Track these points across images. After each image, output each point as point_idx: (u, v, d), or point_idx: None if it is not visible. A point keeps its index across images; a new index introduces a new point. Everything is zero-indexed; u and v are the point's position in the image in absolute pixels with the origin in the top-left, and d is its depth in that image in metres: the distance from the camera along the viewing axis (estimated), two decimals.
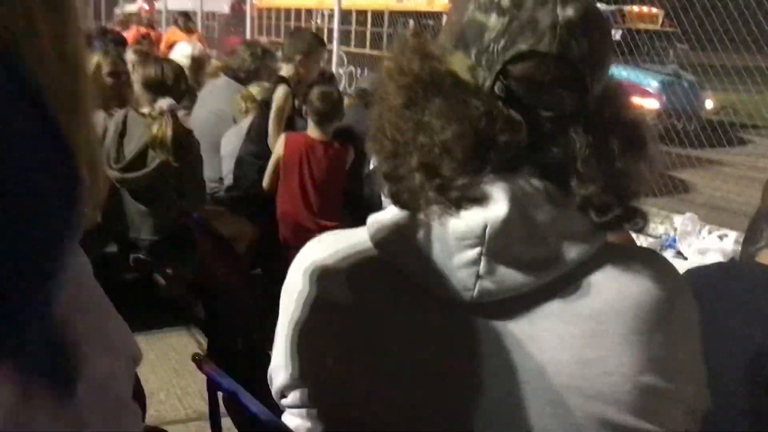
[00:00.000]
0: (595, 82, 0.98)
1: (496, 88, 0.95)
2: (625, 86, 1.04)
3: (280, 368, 1.11)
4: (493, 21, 0.96)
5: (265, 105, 4.94)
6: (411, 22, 12.33)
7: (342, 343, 1.04)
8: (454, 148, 0.94)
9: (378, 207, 1.14)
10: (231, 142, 5.01)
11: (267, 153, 4.62)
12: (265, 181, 4.51)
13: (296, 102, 5.01)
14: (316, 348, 1.07)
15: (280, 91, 4.85)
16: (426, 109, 0.97)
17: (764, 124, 13.98)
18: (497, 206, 0.93)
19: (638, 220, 1.00)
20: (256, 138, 4.86)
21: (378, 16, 13.35)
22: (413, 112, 0.98)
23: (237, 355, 2.96)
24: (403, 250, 1.02)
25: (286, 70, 5.06)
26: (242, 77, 5.67)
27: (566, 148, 0.95)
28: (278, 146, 4.43)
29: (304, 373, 1.08)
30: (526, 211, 0.94)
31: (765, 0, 6.36)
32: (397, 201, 1.02)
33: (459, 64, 0.98)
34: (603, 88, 1.00)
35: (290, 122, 4.91)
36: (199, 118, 5.32)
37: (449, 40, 1.02)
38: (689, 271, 1.75)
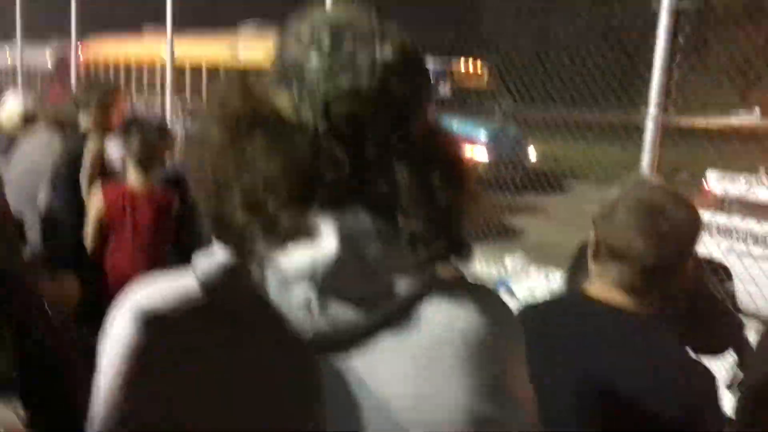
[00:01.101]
0: (417, 118, 1.00)
1: (319, 126, 0.95)
2: (445, 126, 1.08)
3: (99, 419, 1.03)
4: (315, 59, 0.96)
5: (76, 157, 4.72)
6: None
7: (171, 392, 0.97)
8: (278, 185, 0.93)
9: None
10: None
11: (81, 205, 4.38)
12: (88, 239, 4.24)
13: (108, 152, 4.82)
14: (139, 397, 0.99)
15: (90, 143, 4.67)
16: (249, 146, 0.95)
17: (581, 172, 15.27)
18: (327, 243, 0.93)
19: (463, 251, 1.02)
20: (66, 189, 4.61)
21: (214, 72, 13.21)
22: (236, 149, 0.96)
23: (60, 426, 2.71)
24: (232, 292, 0.98)
25: (84, 120, 4.94)
26: (63, 130, 5.43)
27: (391, 184, 0.97)
28: (95, 199, 4.18)
29: (127, 423, 1.00)
30: (357, 247, 0.94)
31: (583, 60, 6.96)
32: (222, 242, 0.99)
33: (282, 101, 0.98)
34: (425, 125, 1.02)
35: (103, 172, 4.71)
36: (17, 171, 5.03)
37: (273, 78, 1.02)
38: (521, 309, 1.82)
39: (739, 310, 6.03)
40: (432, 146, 1.01)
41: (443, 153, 1.02)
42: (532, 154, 15.42)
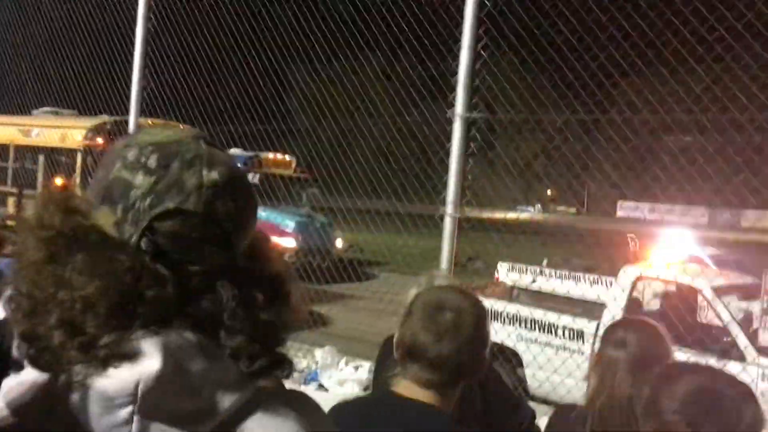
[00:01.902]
0: (241, 238, 1.03)
1: (142, 244, 0.96)
2: (270, 240, 1.13)
3: None
4: (140, 179, 0.98)
5: None
6: (41, 157, 11.60)
7: None
8: (97, 304, 0.92)
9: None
10: None
11: None
12: None
13: None
14: None
15: None
16: (68, 264, 0.94)
17: (385, 261, 15.83)
18: (150, 361, 0.91)
19: (285, 366, 1.05)
20: None
21: (3, 149, 12.34)
22: (54, 267, 0.94)
23: None
24: (45, 417, 0.94)
25: None
26: None
27: (214, 301, 0.99)
28: None
29: None
30: (180, 364, 0.94)
31: (386, 156, 7.35)
32: (35, 363, 0.94)
33: (105, 219, 0.98)
34: (249, 243, 1.06)
35: None
36: None
37: (95, 195, 1.01)
38: (334, 408, 1.87)
39: (530, 396, 6.48)
40: (256, 263, 1.05)
41: (268, 270, 1.05)
42: (339, 242, 15.75)
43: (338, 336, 9.32)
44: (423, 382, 1.75)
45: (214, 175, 1.00)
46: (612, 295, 6.59)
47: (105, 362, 0.91)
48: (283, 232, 14.37)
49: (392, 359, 1.88)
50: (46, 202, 1.00)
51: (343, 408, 1.88)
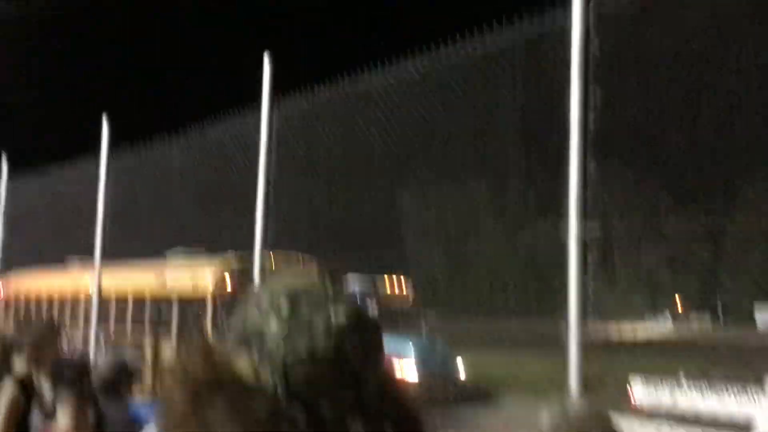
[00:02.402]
0: (370, 377, 1.05)
1: (278, 388, 0.99)
2: (399, 380, 1.15)
3: None
4: (273, 325, 1.02)
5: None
6: (174, 306, 12.10)
7: None
8: None
9: None
10: None
11: None
12: None
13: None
14: None
15: (5, 389, 4.33)
16: (210, 411, 0.97)
17: (509, 385, 15.23)
18: None
19: None
20: None
21: (140, 301, 12.97)
22: (198, 416, 0.98)
23: None
24: None
25: (18, 362, 4.62)
26: None
27: None
28: None
29: None
30: None
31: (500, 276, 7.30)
32: None
33: (243, 365, 1.02)
34: (380, 382, 1.07)
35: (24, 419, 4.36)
36: None
37: (234, 343, 1.06)
38: None
39: None
40: (387, 401, 1.06)
41: (398, 407, 1.07)
42: (461, 367, 15.41)
43: None
44: None
45: (342, 317, 1.03)
46: (761, 407, 6.01)
47: None
48: (403, 359, 14.24)
49: None
50: (189, 351, 1.06)
51: None
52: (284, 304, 1.04)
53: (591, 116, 4.27)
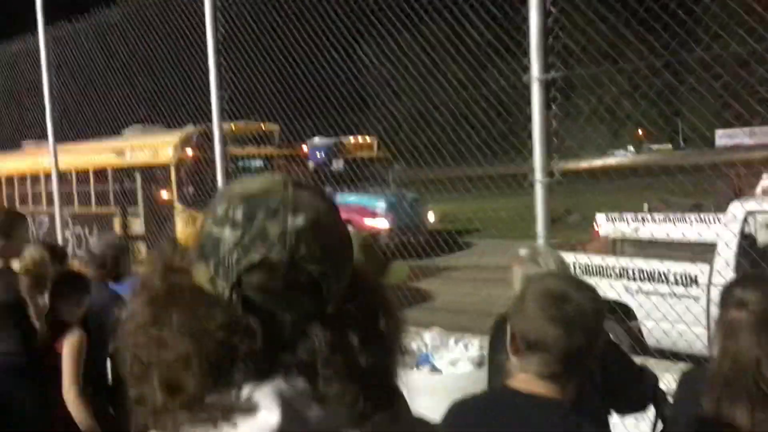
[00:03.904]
0: (333, 282, 1.00)
1: (233, 298, 0.97)
2: (370, 273, 1.10)
3: None
4: (227, 234, 0.98)
5: None
6: (138, 176, 12.01)
7: None
8: (193, 362, 0.93)
9: None
10: None
11: None
12: None
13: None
14: None
15: None
16: (166, 324, 0.96)
17: (478, 228, 15.70)
18: (267, 413, 0.92)
19: (393, 400, 1.04)
20: None
21: (101, 173, 12.83)
22: (156, 328, 0.97)
23: None
24: None
25: None
26: None
27: (308, 350, 0.97)
28: None
29: None
30: (297, 413, 0.94)
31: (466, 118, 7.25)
32: (149, 426, 0.97)
33: (201, 275, 1.00)
34: (347, 284, 1.03)
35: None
36: None
37: (194, 252, 1.03)
38: (454, 407, 1.88)
39: (645, 348, 6.30)
40: (354, 304, 1.02)
41: (365, 310, 1.03)
42: (431, 216, 15.76)
43: (442, 309, 9.33)
44: (540, 374, 1.71)
45: (299, 220, 0.98)
46: (720, 235, 6.25)
47: (217, 421, 0.91)
48: (374, 213, 14.52)
49: (503, 339, 1.85)
50: (152, 263, 1.03)
51: (462, 406, 1.87)
52: (239, 211, 0.99)
53: None
